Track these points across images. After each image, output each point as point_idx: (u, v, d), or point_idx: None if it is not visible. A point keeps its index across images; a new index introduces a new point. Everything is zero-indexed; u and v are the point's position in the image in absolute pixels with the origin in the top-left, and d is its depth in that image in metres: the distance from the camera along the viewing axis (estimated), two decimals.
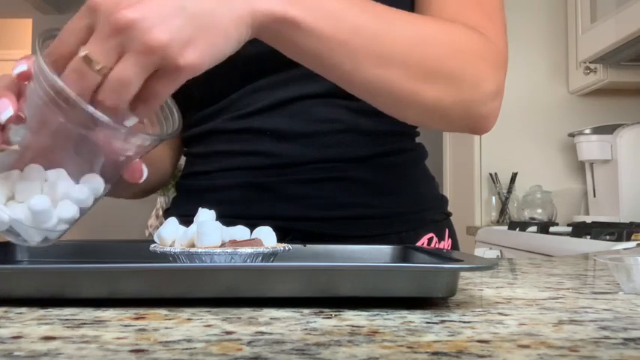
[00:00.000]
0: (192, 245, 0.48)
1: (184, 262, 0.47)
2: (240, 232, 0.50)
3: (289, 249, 0.50)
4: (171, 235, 0.50)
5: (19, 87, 0.49)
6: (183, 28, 0.41)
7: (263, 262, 0.48)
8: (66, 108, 0.45)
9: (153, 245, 0.50)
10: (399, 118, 0.62)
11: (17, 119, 0.48)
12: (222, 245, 0.48)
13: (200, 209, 0.52)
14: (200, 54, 0.42)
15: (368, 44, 0.52)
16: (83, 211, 0.49)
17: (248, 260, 0.47)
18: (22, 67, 0.48)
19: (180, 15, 0.41)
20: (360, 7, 0.52)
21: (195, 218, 0.51)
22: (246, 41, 0.66)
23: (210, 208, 0.53)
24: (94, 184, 0.50)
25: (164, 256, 0.49)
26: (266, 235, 0.50)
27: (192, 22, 0.42)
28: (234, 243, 0.48)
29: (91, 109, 0.44)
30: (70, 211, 0.48)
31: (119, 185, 0.54)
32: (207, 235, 0.47)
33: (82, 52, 0.40)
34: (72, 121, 0.46)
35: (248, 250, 0.47)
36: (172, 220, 0.51)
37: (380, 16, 0.53)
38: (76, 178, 0.49)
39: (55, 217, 0.48)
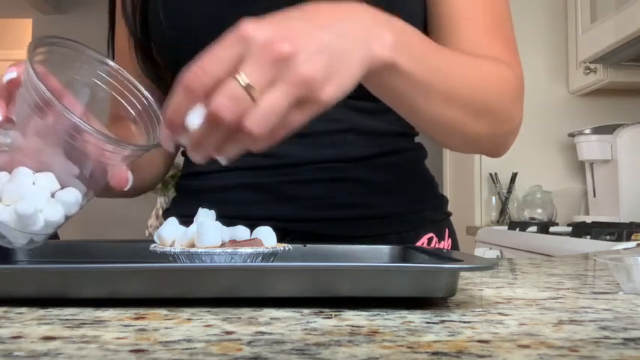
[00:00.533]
0: (192, 245, 0.48)
1: (184, 262, 0.47)
2: (240, 232, 0.50)
3: (289, 249, 0.50)
4: (171, 235, 0.50)
5: (9, 91, 0.50)
6: (328, 65, 0.43)
7: (263, 262, 0.48)
8: (53, 116, 0.46)
9: (153, 245, 0.50)
10: (442, 144, 0.67)
11: (6, 123, 0.48)
12: (222, 245, 0.48)
13: (200, 209, 0.52)
14: (335, 91, 0.44)
15: (440, 84, 0.55)
16: (69, 216, 0.50)
17: (248, 260, 0.47)
18: (12, 75, 0.49)
19: (325, 52, 0.43)
20: (435, 48, 0.55)
21: (195, 218, 0.51)
22: None
23: (209, 209, 0.53)
24: (81, 188, 0.50)
25: (164, 256, 0.49)
26: (266, 235, 0.50)
27: (333, 61, 0.43)
28: (234, 243, 0.48)
29: (76, 118, 0.45)
30: (57, 214, 0.48)
31: (108, 188, 0.54)
32: (207, 235, 0.47)
33: (244, 80, 0.41)
34: (58, 128, 0.46)
35: (248, 250, 0.47)
36: (172, 220, 0.51)
37: (448, 56, 0.57)
38: (65, 181, 0.50)
39: (41, 221, 0.48)
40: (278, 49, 0.41)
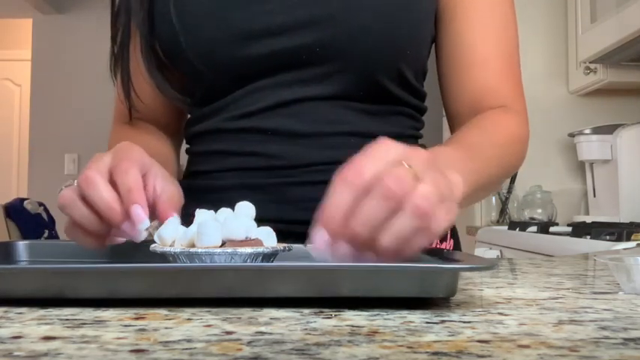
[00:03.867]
0: (193, 245, 0.48)
1: (184, 262, 0.47)
2: (239, 230, 0.50)
3: (289, 249, 0.50)
4: (171, 235, 0.49)
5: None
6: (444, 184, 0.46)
7: (263, 262, 0.48)
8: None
9: (153, 245, 0.50)
10: None
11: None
12: (223, 245, 0.48)
13: (197, 210, 0.52)
14: (453, 216, 0.47)
15: (485, 179, 0.65)
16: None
17: (248, 260, 0.47)
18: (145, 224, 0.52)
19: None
20: (480, 160, 0.64)
21: (195, 220, 0.51)
22: (253, 41, 0.67)
23: (210, 209, 0.53)
24: None
25: (164, 256, 0.49)
26: (266, 235, 0.50)
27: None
28: (234, 243, 0.48)
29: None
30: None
31: None
32: (208, 235, 0.47)
33: (411, 169, 0.44)
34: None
35: (248, 250, 0.47)
36: (172, 220, 0.51)
37: (481, 155, 0.65)
38: None
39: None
40: (427, 154, 0.46)
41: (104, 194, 0.50)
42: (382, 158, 0.44)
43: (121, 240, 0.55)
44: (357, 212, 0.42)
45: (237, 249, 0.47)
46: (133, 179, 0.51)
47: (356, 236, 0.42)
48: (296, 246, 0.54)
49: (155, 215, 0.54)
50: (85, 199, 0.51)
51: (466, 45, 0.74)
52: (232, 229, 0.49)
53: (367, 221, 0.42)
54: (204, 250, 0.46)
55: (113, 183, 0.52)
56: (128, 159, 0.52)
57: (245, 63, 0.69)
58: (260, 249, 0.47)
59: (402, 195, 0.41)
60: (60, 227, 3.30)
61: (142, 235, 0.52)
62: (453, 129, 0.78)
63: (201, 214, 0.52)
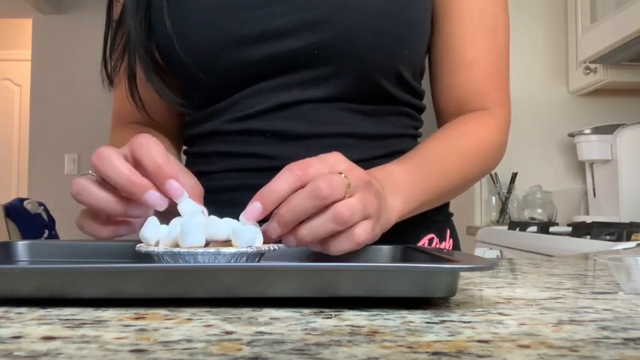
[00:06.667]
0: (176, 245, 0.48)
1: (168, 262, 0.47)
2: (221, 230, 0.49)
3: (275, 249, 0.50)
4: (153, 234, 0.49)
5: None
6: (372, 204, 0.52)
7: (248, 262, 0.48)
8: None
9: (138, 245, 0.50)
10: None
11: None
12: (207, 245, 0.47)
13: (185, 199, 0.51)
14: (374, 234, 0.53)
15: (440, 191, 0.68)
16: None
17: (232, 260, 0.46)
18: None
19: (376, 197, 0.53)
20: (429, 174, 0.66)
21: (177, 207, 0.50)
22: (251, 45, 0.67)
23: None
24: None
25: (149, 256, 0.49)
26: (254, 234, 0.48)
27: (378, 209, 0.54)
28: (217, 243, 0.48)
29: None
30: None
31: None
32: (191, 235, 0.46)
33: (346, 179, 0.50)
34: None
35: (232, 250, 0.46)
36: (152, 220, 0.50)
37: (440, 171, 0.68)
38: None
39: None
40: (369, 178, 0.52)
41: (122, 169, 0.49)
42: (329, 165, 0.50)
43: (138, 220, 0.54)
44: (288, 199, 0.48)
45: (221, 249, 0.46)
46: (159, 155, 0.50)
47: (280, 218, 0.48)
48: (282, 246, 0.53)
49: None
50: (100, 182, 0.51)
51: (455, 47, 0.75)
52: (216, 229, 0.48)
53: (292, 209, 0.48)
54: (187, 251, 0.46)
55: (134, 163, 0.51)
56: (147, 137, 0.51)
57: (244, 67, 0.69)
58: (244, 249, 0.47)
59: (327, 197, 0.47)
60: (60, 227, 3.30)
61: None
62: (440, 125, 0.79)
63: (188, 205, 0.51)
